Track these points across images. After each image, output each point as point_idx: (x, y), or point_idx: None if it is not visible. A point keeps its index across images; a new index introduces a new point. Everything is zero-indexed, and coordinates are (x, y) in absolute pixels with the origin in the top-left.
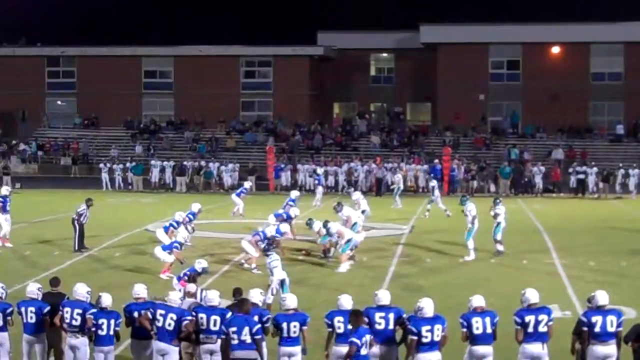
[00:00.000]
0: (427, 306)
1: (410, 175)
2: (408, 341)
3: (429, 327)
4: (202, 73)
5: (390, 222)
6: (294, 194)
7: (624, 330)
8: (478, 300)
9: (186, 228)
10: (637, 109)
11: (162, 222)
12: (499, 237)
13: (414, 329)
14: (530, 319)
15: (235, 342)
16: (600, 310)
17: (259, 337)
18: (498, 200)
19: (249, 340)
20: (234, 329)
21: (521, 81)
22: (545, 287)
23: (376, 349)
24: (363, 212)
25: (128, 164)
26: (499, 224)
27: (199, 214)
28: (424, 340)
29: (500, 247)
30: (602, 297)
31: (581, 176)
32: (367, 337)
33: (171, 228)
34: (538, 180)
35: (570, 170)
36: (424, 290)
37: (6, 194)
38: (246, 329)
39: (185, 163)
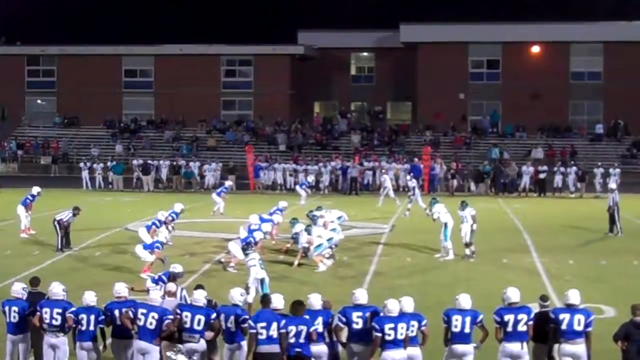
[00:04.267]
0: (392, 305)
1: (391, 175)
2: (373, 337)
3: (392, 325)
4: (182, 72)
5: (370, 222)
6: (282, 204)
7: (611, 329)
8: (464, 300)
9: (167, 227)
10: (616, 109)
11: (142, 221)
12: (469, 239)
13: (377, 326)
14: (509, 318)
15: (263, 337)
16: (570, 308)
17: (284, 331)
18: (465, 203)
19: (276, 335)
20: (263, 324)
21: (501, 80)
22: (525, 286)
23: (354, 348)
24: (339, 218)
25: (109, 163)
26: (471, 226)
27: (182, 213)
28: (387, 337)
29: (468, 251)
30: (573, 296)
31: (542, 175)
32: (301, 328)
33: (154, 227)
34: (526, 180)
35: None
36: (404, 289)
37: (34, 194)
38: (274, 324)
39: (150, 162)
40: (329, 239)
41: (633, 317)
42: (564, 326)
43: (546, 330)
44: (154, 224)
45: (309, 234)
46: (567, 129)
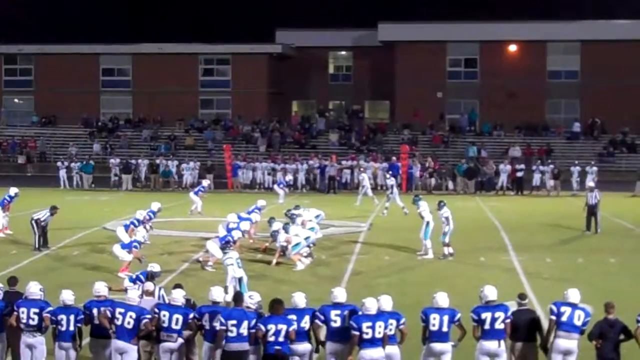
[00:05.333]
0: (370, 304)
1: (369, 173)
2: (351, 336)
3: (369, 324)
4: (160, 71)
5: (348, 220)
6: (261, 203)
7: (588, 327)
8: (442, 298)
9: (145, 227)
10: (593, 107)
11: (120, 220)
12: (447, 239)
13: (354, 325)
14: (486, 316)
15: (233, 334)
16: (571, 304)
17: (253, 331)
18: (442, 203)
19: (246, 333)
20: (234, 322)
21: (479, 79)
22: (502, 284)
23: (331, 346)
24: (317, 217)
25: (78, 164)
26: (447, 226)
27: (159, 212)
28: (365, 336)
29: (446, 250)
30: (573, 295)
31: (519, 174)
32: (281, 327)
33: (132, 226)
34: (503, 178)
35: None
36: (383, 288)
37: (12, 195)
38: (245, 323)
39: (131, 161)
40: (307, 238)
41: (606, 315)
42: (564, 318)
43: (528, 329)
44: (132, 223)
45: (287, 232)
46: (544, 128)
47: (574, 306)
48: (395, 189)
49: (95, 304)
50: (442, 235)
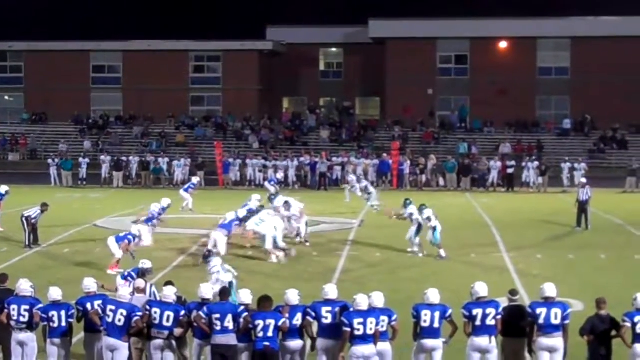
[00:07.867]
0: (361, 300)
1: (360, 170)
2: (342, 333)
3: (361, 320)
4: (151, 68)
5: (339, 217)
6: (256, 197)
7: (579, 323)
8: (433, 295)
9: (146, 224)
10: (583, 104)
11: (111, 217)
12: (438, 241)
13: (346, 321)
14: (477, 312)
15: (218, 328)
16: (546, 302)
17: (245, 314)
18: (423, 206)
19: (231, 326)
20: (217, 315)
21: (469, 76)
22: (493, 280)
23: (323, 343)
24: (285, 203)
25: (81, 160)
26: (435, 228)
27: (167, 209)
28: (356, 332)
29: (443, 253)
30: (549, 289)
31: (510, 170)
32: (269, 322)
33: (153, 221)
34: (494, 175)
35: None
36: (374, 285)
37: (2, 192)
38: (229, 316)
39: (122, 158)
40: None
41: (598, 311)
42: (541, 320)
43: (519, 325)
44: (152, 217)
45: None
46: (534, 124)
47: (549, 305)
48: (370, 188)
49: (87, 299)
50: (432, 237)
